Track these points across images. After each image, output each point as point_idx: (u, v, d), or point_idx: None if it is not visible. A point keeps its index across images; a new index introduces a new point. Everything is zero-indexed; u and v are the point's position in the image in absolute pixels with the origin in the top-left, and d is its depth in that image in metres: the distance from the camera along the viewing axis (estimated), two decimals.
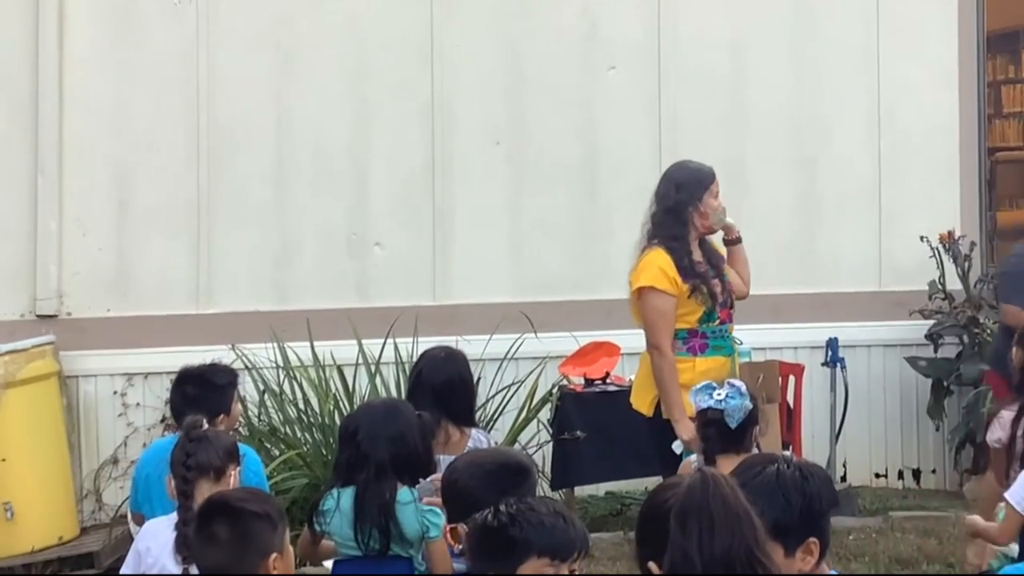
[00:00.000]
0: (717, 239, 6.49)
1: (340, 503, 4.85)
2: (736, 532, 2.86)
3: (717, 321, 6.24)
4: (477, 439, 5.60)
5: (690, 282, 6.16)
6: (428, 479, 5.17)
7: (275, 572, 3.58)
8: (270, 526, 3.62)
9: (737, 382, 5.36)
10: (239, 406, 5.92)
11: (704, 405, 5.30)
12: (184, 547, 4.35)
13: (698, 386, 5.42)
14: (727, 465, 5.05)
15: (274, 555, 3.60)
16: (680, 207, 6.24)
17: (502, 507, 3.33)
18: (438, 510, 4.87)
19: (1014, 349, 5.82)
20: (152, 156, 8.48)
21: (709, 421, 5.26)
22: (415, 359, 6.02)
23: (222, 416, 5.33)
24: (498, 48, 8.88)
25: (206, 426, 4.68)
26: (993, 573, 5.35)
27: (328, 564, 5.14)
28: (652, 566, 2.96)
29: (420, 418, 5.02)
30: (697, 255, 6.28)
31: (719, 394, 5.28)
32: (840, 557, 7.02)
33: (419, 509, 4.83)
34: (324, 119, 8.67)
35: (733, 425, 5.22)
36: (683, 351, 6.22)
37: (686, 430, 5.77)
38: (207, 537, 3.64)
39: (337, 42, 8.72)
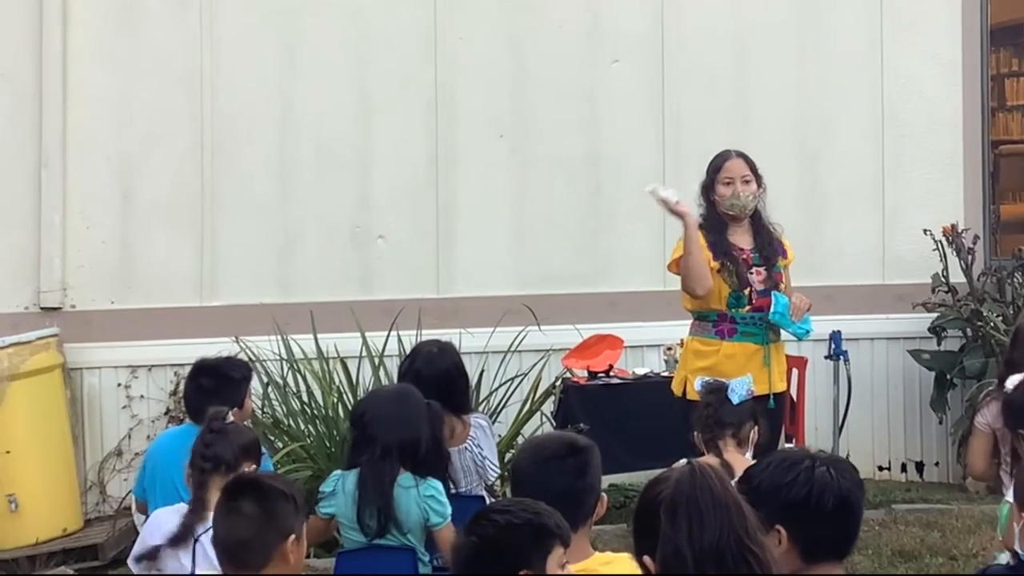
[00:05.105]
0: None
1: (344, 484, 4.90)
2: (725, 523, 2.85)
3: (747, 308, 6.37)
4: (477, 423, 5.66)
5: (720, 259, 6.36)
6: None
7: (291, 554, 3.59)
8: (294, 508, 3.64)
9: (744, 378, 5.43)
10: (252, 400, 5.94)
11: (707, 383, 5.33)
12: (188, 537, 4.34)
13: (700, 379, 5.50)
14: (737, 460, 5.07)
15: (293, 536, 3.60)
16: (705, 192, 6.56)
17: (497, 511, 3.22)
18: (444, 500, 4.89)
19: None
20: (156, 149, 8.48)
21: (712, 390, 5.27)
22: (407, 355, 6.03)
23: (236, 409, 5.34)
24: (502, 42, 8.87)
25: (230, 419, 4.68)
26: (996, 567, 5.35)
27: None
28: (647, 560, 2.95)
29: (429, 406, 5.06)
30: (744, 242, 6.47)
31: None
32: None
33: (422, 496, 4.85)
34: (328, 113, 8.67)
35: (736, 400, 5.23)
36: (711, 333, 6.41)
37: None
38: (233, 511, 3.62)
39: (341, 36, 8.72)
